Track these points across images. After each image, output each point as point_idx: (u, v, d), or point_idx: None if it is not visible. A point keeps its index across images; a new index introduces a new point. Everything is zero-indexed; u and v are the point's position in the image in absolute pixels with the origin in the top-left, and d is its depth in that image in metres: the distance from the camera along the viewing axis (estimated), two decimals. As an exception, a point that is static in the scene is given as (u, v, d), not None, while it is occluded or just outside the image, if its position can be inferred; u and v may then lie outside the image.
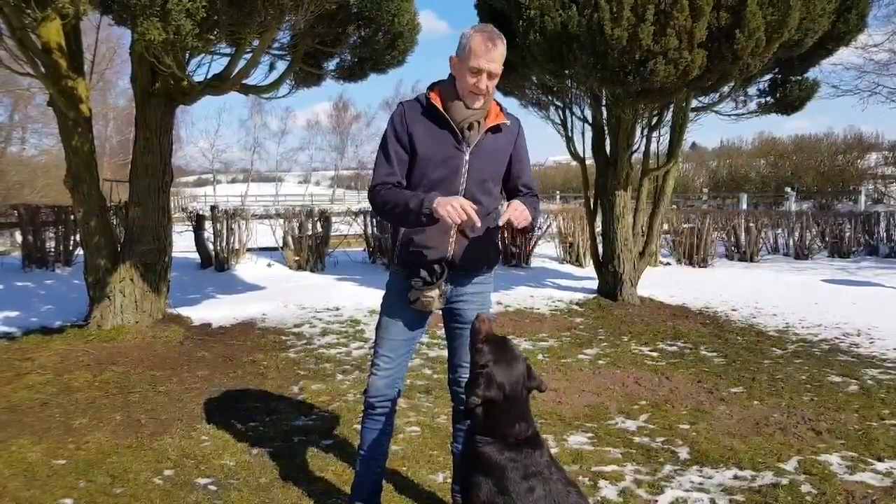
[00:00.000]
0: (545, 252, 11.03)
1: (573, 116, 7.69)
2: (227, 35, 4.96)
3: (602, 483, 2.98)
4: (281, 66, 6.18)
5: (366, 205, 11.01)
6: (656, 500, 2.84)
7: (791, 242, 12.12)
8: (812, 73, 7.56)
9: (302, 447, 3.35)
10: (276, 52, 6.11)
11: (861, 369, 4.78)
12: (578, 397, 4.19)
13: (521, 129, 2.50)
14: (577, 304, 7.33)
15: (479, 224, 2.20)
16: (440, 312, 2.49)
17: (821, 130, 55.83)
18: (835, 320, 6.48)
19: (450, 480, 2.85)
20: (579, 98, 7.60)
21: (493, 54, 2.25)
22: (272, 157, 64.86)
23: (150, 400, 4.08)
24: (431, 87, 2.41)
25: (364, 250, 10.38)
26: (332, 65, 6.36)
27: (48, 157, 21.65)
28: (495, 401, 1.92)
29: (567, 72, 6.03)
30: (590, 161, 7.88)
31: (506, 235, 9.37)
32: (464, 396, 2.17)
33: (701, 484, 2.98)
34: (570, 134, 7.73)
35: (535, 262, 10.35)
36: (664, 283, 8.64)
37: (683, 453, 3.31)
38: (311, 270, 9.36)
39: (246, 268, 9.15)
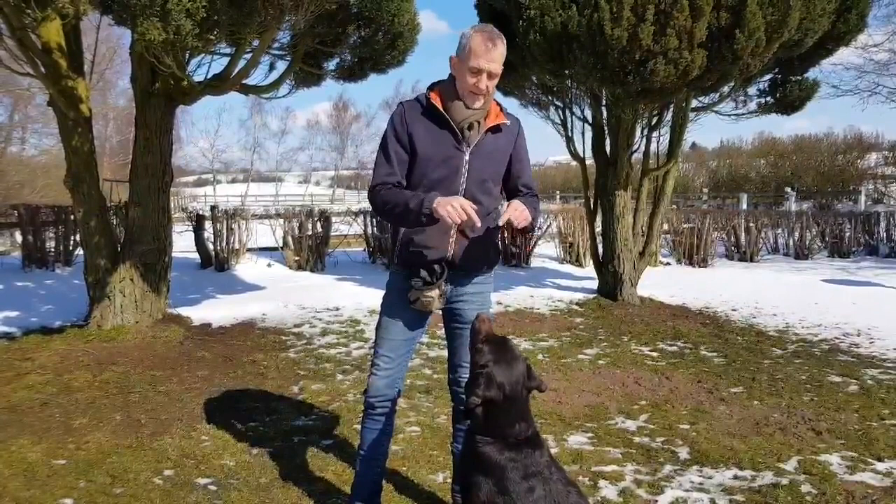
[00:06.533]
0: (545, 252, 11.03)
1: (573, 116, 7.70)
2: (227, 35, 4.96)
3: (602, 483, 2.98)
4: (281, 66, 6.19)
5: (366, 205, 11.01)
6: (656, 500, 2.84)
7: (791, 242, 12.12)
8: (812, 73, 7.58)
9: (302, 447, 3.35)
10: (276, 52, 6.11)
11: (861, 369, 4.78)
12: (578, 397, 4.19)
13: (521, 129, 2.50)
14: (577, 304, 7.33)
15: (479, 224, 2.20)
16: (440, 312, 2.49)
17: (821, 130, 55.92)
18: (835, 320, 6.48)
19: (450, 480, 2.85)
20: (579, 98, 7.60)
21: (493, 54, 2.25)
22: (272, 157, 65.05)
23: (150, 400, 4.08)
24: (431, 87, 2.41)
25: (364, 250, 10.38)
26: (332, 65, 6.36)
27: (48, 157, 21.66)
28: (495, 401, 1.91)
29: (567, 72, 6.02)
30: (590, 161, 7.88)
31: (506, 235, 9.37)
32: (464, 396, 2.17)
33: (701, 484, 2.98)
34: (570, 134, 7.73)
35: (535, 262, 10.35)
36: (664, 283, 8.64)
37: (683, 453, 3.31)
38: (311, 270, 9.36)
39: (246, 268, 9.15)
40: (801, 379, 4.57)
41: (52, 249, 8.45)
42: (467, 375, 2.21)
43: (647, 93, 5.70)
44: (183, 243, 9.47)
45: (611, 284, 7.42)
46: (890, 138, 30.15)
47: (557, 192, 32.95)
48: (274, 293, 7.58)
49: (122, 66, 23.04)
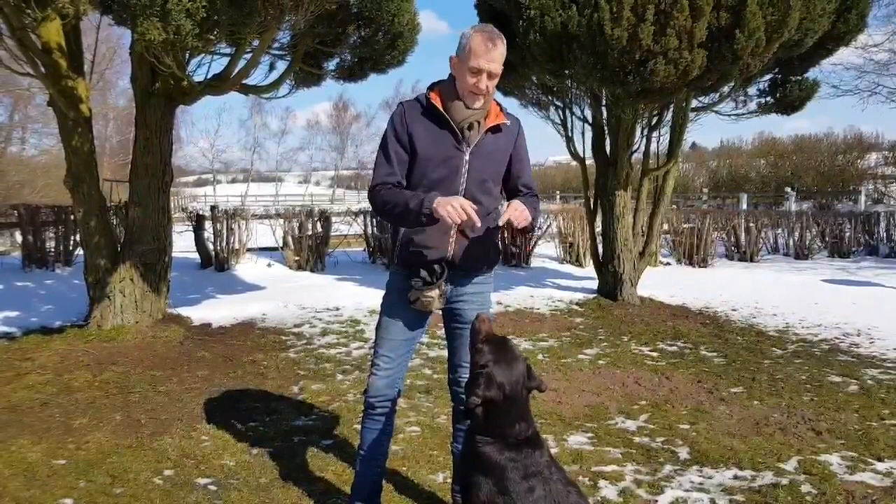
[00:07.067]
0: (545, 252, 11.03)
1: (573, 116, 7.70)
2: (227, 35, 4.96)
3: (602, 483, 2.98)
4: (281, 66, 6.19)
5: (366, 205, 11.01)
6: (656, 500, 2.84)
7: (791, 242, 12.12)
8: (812, 73, 7.58)
9: (302, 447, 3.35)
10: (276, 52, 6.11)
11: (861, 369, 4.78)
12: (578, 397, 4.19)
13: (521, 129, 2.50)
14: (577, 304, 7.33)
15: (479, 224, 2.20)
16: (440, 312, 2.49)
17: (821, 130, 55.89)
18: (835, 320, 6.48)
19: (450, 480, 2.85)
20: (579, 98, 7.59)
21: (493, 54, 2.25)
22: (272, 157, 65.01)
23: (150, 400, 4.08)
24: (431, 87, 2.41)
25: (364, 250, 10.38)
26: (332, 65, 6.36)
27: (48, 157, 21.66)
28: (495, 401, 1.92)
29: (567, 72, 6.02)
30: (590, 161, 7.88)
31: (506, 235, 9.37)
32: (464, 396, 2.17)
33: (701, 484, 2.98)
34: (570, 134, 7.73)
35: (535, 262, 10.35)
36: (664, 283, 8.64)
37: (683, 453, 3.31)
38: (311, 270, 9.36)
39: (246, 268, 9.15)
40: (801, 379, 4.57)
41: (52, 249, 8.45)
42: (467, 375, 2.21)
43: (647, 93, 5.70)
44: (183, 243, 9.47)
45: (611, 284, 7.42)
46: (890, 138, 30.21)
47: (557, 192, 32.95)
48: (274, 293, 7.58)
49: (122, 66, 23.08)
